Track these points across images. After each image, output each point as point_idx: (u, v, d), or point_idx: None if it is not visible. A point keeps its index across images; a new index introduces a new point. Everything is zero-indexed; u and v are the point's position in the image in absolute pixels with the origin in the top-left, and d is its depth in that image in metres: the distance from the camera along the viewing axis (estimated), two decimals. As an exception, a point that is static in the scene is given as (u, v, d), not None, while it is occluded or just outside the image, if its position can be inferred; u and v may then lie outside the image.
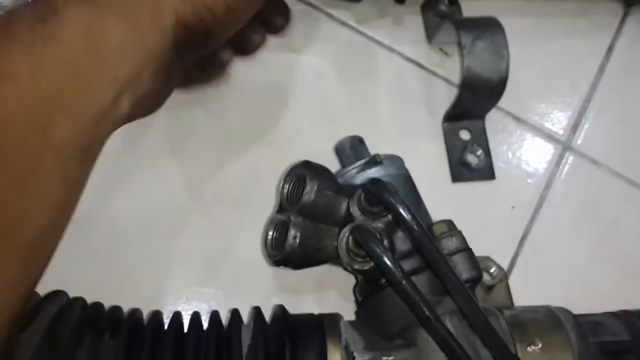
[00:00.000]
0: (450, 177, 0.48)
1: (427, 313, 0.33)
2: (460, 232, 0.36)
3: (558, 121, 0.51)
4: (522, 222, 0.48)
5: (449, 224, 0.37)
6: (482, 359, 0.34)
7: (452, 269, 0.34)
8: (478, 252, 0.43)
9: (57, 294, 0.36)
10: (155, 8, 0.29)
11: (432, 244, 0.34)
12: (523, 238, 0.47)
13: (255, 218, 0.43)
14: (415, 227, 0.34)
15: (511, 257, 0.47)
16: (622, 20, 0.55)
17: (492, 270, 0.43)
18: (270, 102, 0.49)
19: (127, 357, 0.33)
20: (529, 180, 0.49)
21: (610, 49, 0.54)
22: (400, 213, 0.33)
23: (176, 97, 0.38)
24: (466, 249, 0.36)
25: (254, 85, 0.49)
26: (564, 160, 0.50)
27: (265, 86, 0.49)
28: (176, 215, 0.44)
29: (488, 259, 0.44)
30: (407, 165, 0.43)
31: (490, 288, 0.43)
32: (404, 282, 0.33)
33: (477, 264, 0.36)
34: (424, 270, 0.35)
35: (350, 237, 0.35)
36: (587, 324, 0.39)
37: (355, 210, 0.36)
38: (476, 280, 0.36)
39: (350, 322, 0.38)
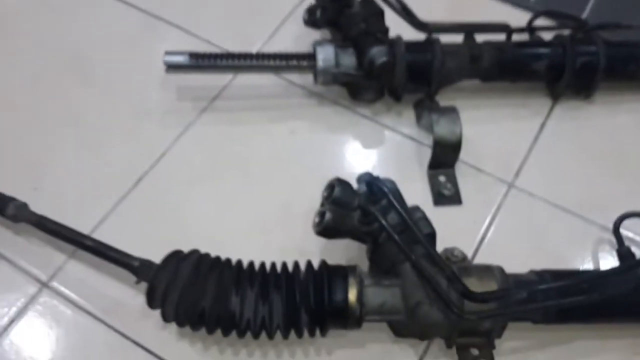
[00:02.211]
0: (432, 203, 0.76)
1: (406, 250, 0.59)
2: (422, 210, 0.63)
3: (506, 170, 0.78)
4: (480, 231, 0.74)
5: (417, 206, 0.64)
6: (440, 282, 0.59)
7: (419, 227, 0.61)
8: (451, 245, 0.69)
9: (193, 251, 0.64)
10: None
11: (406, 214, 0.61)
12: (481, 241, 0.73)
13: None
14: (397, 202, 0.61)
15: (473, 253, 0.72)
16: (551, 109, 0.84)
17: (456, 252, 0.69)
18: (321, 160, 0.79)
19: (238, 279, 0.60)
20: (486, 206, 0.75)
21: (542, 126, 0.82)
22: (387, 194, 0.61)
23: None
24: (425, 218, 0.62)
25: (312, 151, 0.80)
26: (509, 193, 0.76)
27: (319, 152, 0.80)
28: (270, 220, 0.73)
29: (454, 247, 0.69)
30: (406, 197, 0.69)
31: (456, 263, 0.68)
32: (394, 235, 0.60)
33: (432, 225, 0.62)
34: (404, 232, 0.62)
35: (360, 212, 0.62)
36: (512, 274, 0.63)
37: (363, 200, 0.63)
38: (432, 234, 0.62)
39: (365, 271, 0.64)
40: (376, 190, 0.63)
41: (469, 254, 0.71)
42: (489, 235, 0.73)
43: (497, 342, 0.64)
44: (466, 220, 0.75)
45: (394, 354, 0.66)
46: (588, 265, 0.71)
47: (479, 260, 0.71)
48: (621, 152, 0.80)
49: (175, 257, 0.63)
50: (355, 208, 0.64)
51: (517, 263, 0.69)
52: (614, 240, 0.71)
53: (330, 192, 0.65)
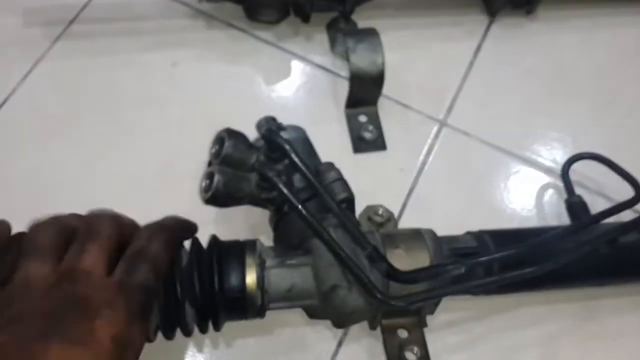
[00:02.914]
0: (352, 149, 0.62)
1: (316, 226, 0.46)
2: (337, 169, 0.50)
3: (436, 105, 0.65)
4: (409, 180, 0.61)
5: (331, 164, 0.50)
6: (360, 260, 0.47)
7: (332, 193, 0.48)
8: (374, 203, 0.57)
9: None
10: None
11: (315, 177, 0.47)
12: (410, 192, 0.61)
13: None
14: (301, 165, 0.47)
15: (401, 206, 0.60)
16: (488, 27, 0.71)
17: (380, 211, 0.57)
18: (212, 100, 0.63)
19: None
20: (414, 150, 0.63)
21: (478, 49, 0.69)
22: (286, 150, 0.47)
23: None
24: (341, 179, 0.49)
25: (200, 88, 0.64)
26: (441, 133, 0.64)
27: (210, 90, 0.64)
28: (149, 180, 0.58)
29: (379, 205, 0.57)
30: (320, 143, 0.56)
31: (381, 225, 0.56)
32: (299, 205, 0.47)
33: (349, 188, 0.49)
34: (314, 198, 0.48)
35: (258, 174, 0.48)
36: (445, 238, 0.52)
37: (261, 158, 0.49)
38: (349, 199, 0.49)
39: (269, 246, 0.51)
40: (276, 146, 0.48)
41: (396, 209, 0.60)
42: (418, 185, 0.61)
43: (428, 316, 0.53)
44: (392, 168, 0.62)
45: (308, 339, 0.54)
46: (532, 217, 0.61)
47: (408, 216, 0.60)
48: (567, 76, 0.69)
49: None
50: (251, 168, 0.50)
51: (452, 217, 0.60)
52: (561, 185, 0.60)
53: (219, 148, 0.50)
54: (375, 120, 0.63)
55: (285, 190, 0.46)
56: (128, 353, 0.36)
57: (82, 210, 0.55)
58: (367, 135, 0.62)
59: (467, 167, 0.63)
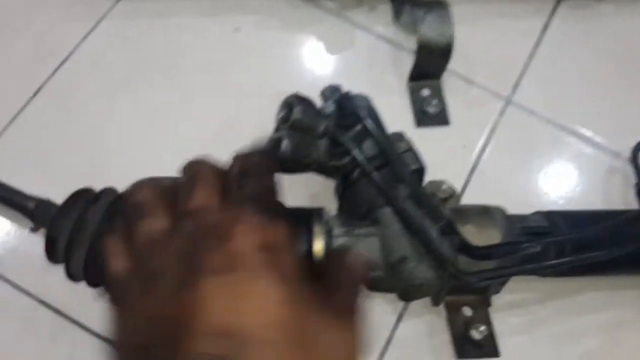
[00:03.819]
0: (414, 123, 0.61)
1: (390, 193, 0.45)
2: (407, 139, 0.49)
3: (502, 82, 0.63)
4: (472, 157, 0.60)
5: (400, 134, 0.49)
6: (430, 233, 0.46)
7: (404, 163, 0.46)
8: (436, 178, 0.56)
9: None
10: None
11: (389, 144, 0.46)
12: (472, 169, 0.59)
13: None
14: (376, 130, 0.46)
15: (463, 183, 0.59)
16: (555, 6, 0.68)
17: (444, 187, 0.55)
18: (272, 67, 0.62)
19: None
20: (478, 126, 0.61)
21: (545, 28, 0.67)
22: (365, 119, 0.46)
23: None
24: (411, 150, 0.48)
25: (260, 55, 0.63)
26: (506, 111, 0.62)
27: (270, 57, 0.63)
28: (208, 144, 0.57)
29: (442, 181, 0.56)
30: (382, 115, 0.55)
31: (444, 200, 0.55)
32: (373, 172, 0.45)
33: (420, 159, 0.48)
34: (385, 167, 0.47)
35: (329, 140, 0.47)
36: (515, 216, 0.51)
37: (331, 125, 0.48)
38: (420, 170, 0.48)
39: (334, 214, 0.50)
40: (349, 112, 0.47)
41: (458, 186, 0.58)
42: (481, 162, 0.60)
43: (493, 296, 0.52)
44: (454, 144, 0.61)
45: (367, 311, 0.53)
46: (597, 200, 0.59)
47: (470, 194, 0.58)
48: (636, 58, 0.66)
49: (82, 198, 0.47)
50: (321, 134, 0.48)
51: (514, 196, 0.58)
52: (629, 169, 0.58)
53: (287, 113, 0.49)
54: (438, 94, 0.62)
55: (360, 157, 0.45)
56: (281, 256, 0.32)
57: (142, 167, 0.56)
58: (430, 109, 0.61)
59: (531, 146, 0.61)
